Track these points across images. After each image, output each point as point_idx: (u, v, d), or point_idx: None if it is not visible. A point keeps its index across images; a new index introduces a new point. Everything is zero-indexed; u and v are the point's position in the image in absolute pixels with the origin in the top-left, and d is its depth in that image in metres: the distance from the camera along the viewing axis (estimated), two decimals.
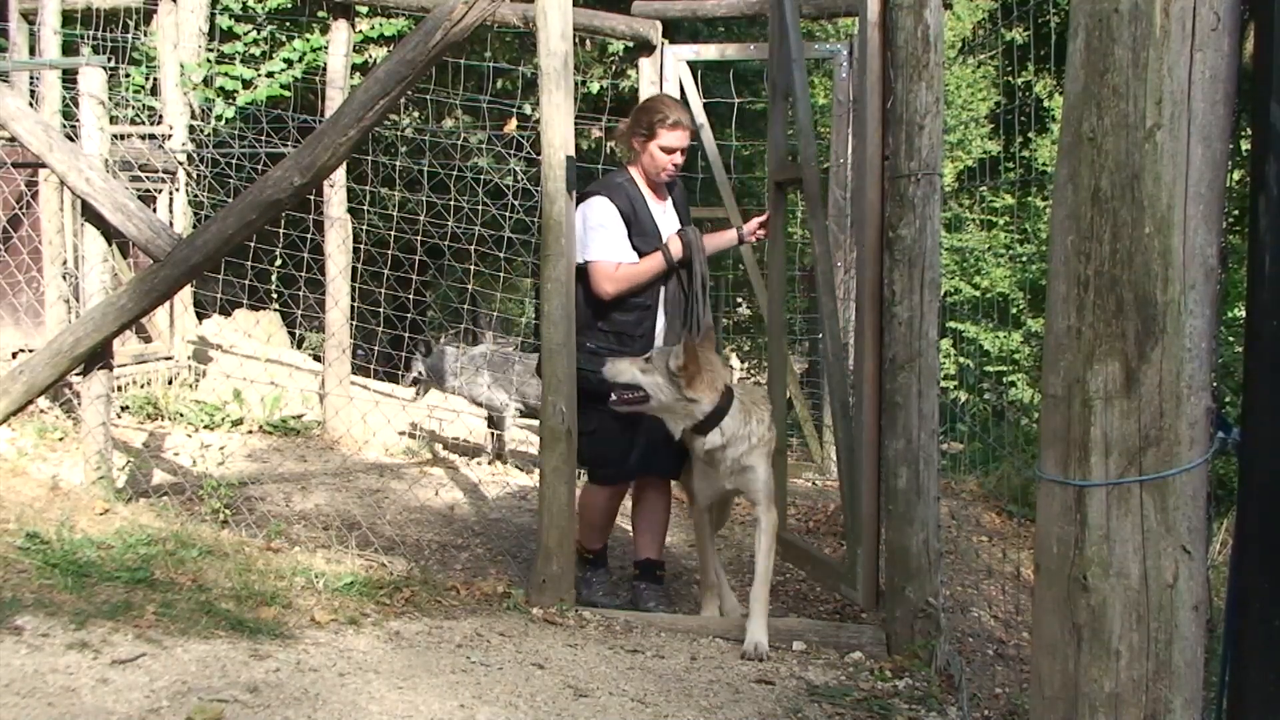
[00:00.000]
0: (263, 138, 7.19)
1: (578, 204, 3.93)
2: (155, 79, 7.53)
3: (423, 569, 4.06)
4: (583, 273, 3.94)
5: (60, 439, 4.92)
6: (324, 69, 6.86)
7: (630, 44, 6.51)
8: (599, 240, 3.94)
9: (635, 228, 3.98)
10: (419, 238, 6.46)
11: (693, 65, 6.32)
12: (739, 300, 11.75)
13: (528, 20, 5.97)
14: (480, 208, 6.47)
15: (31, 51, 6.76)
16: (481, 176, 6.99)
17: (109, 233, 4.33)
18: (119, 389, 5.97)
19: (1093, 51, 1.73)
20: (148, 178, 6.56)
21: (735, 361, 14.45)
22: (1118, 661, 1.74)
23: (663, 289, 4.06)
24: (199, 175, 7.10)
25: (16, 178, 5.96)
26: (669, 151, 3.97)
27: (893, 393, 3.58)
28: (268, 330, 7.57)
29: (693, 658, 3.51)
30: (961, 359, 12.38)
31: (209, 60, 7.86)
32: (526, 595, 3.88)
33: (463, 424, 7.17)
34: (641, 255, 3.99)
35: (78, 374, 4.32)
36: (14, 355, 5.66)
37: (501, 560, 4.65)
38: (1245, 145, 1.74)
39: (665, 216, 4.13)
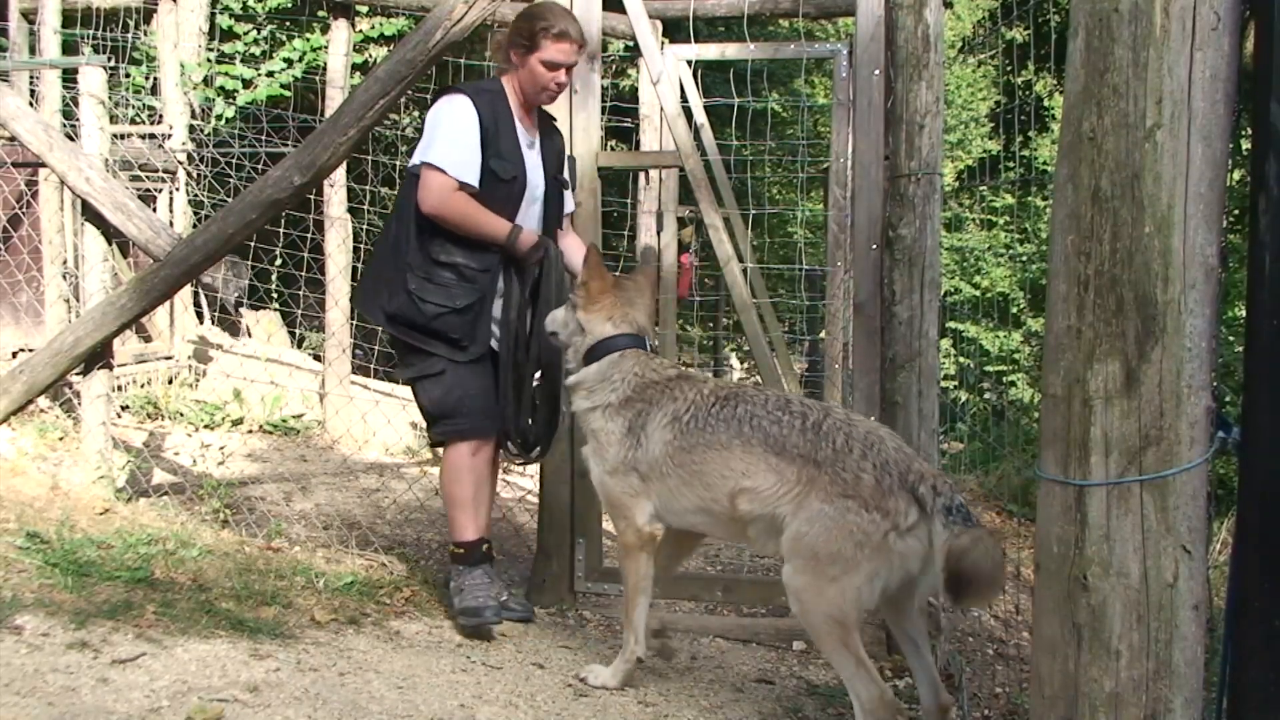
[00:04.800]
0: (263, 137, 7.19)
1: (433, 101, 3.44)
2: (155, 78, 7.53)
3: (423, 569, 4.06)
4: (414, 179, 3.34)
5: (60, 438, 4.92)
6: (324, 69, 6.86)
7: (630, 44, 6.51)
8: (445, 145, 3.29)
9: (494, 146, 3.34)
10: None
11: (693, 65, 6.32)
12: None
13: None
14: None
15: (31, 51, 6.75)
16: None
17: (109, 232, 4.33)
18: (119, 388, 5.97)
19: (1093, 51, 1.73)
20: (148, 177, 6.56)
21: (735, 361, 14.44)
22: (1118, 661, 1.74)
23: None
24: (199, 175, 7.10)
25: (16, 177, 5.96)
26: (551, 68, 3.34)
27: (893, 392, 3.57)
28: (268, 330, 7.56)
29: (693, 657, 3.51)
30: (961, 359, 12.38)
31: (209, 60, 7.86)
32: (527, 595, 3.88)
33: None
34: (499, 181, 3.34)
35: (78, 373, 4.32)
36: (14, 355, 5.65)
37: (501, 560, 4.65)
38: (1245, 145, 1.74)
39: (532, 154, 3.47)
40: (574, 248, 3.55)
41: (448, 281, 3.32)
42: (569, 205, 3.67)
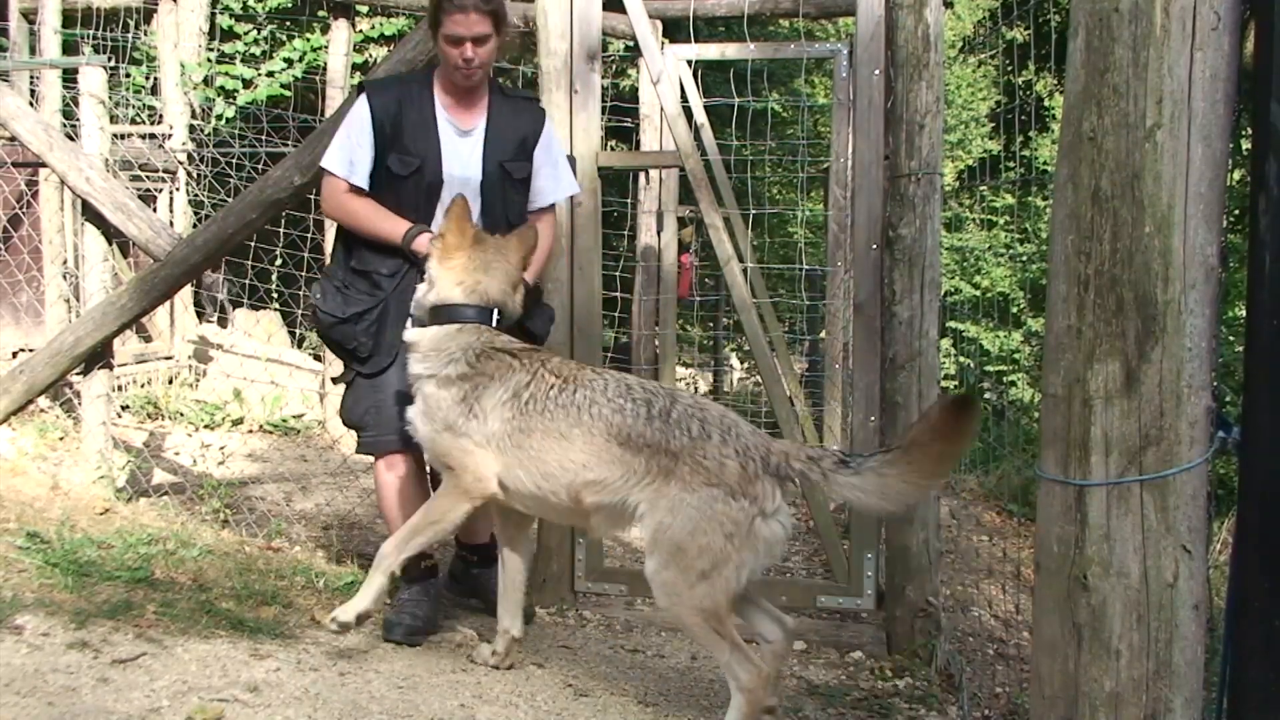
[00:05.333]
0: (263, 137, 7.19)
1: None
2: (155, 78, 7.53)
3: None
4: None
5: (60, 438, 4.92)
6: (324, 68, 6.86)
7: (630, 43, 6.51)
8: (335, 147, 3.21)
9: (396, 140, 3.17)
10: None
11: (693, 65, 6.31)
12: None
13: (528, 20, 5.97)
14: None
15: (32, 51, 6.76)
16: None
17: (109, 232, 4.33)
18: (119, 388, 5.97)
19: (1093, 51, 1.73)
20: (148, 177, 6.56)
21: (735, 361, 14.44)
22: (1118, 661, 1.74)
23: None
24: (199, 175, 7.10)
25: (17, 177, 5.96)
26: (454, 43, 3.08)
27: (893, 392, 3.58)
28: (268, 330, 7.56)
29: (693, 657, 3.51)
30: (962, 358, 12.38)
31: (209, 60, 7.86)
32: (527, 595, 3.88)
33: None
34: (397, 178, 3.18)
35: (78, 373, 4.32)
36: (14, 355, 5.66)
37: None
38: (1245, 145, 1.74)
39: (465, 143, 3.23)
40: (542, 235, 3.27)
41: (357, 289, 3.19)
42: (544, 198, 3.38)
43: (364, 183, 3.19)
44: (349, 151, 3.18)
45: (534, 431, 2.76)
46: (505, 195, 3.27)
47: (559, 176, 3.38)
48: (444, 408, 2.84)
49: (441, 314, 2.90)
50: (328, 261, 3.46)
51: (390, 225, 3.14)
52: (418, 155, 3.17)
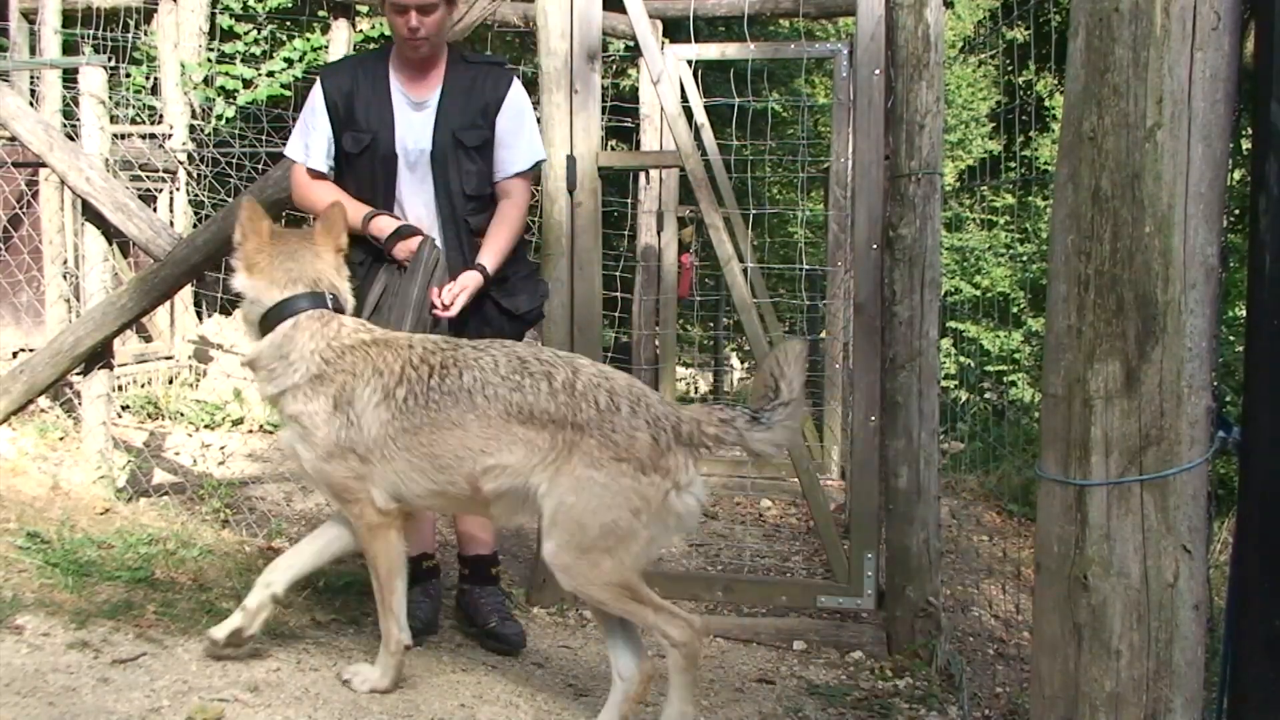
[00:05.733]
0: (263, 137, 7.19)
1: None
2: (156, 78, 7.53)
3: None
4: None
5: (61, 438, 4.92)
6: None
7: (630, 43, 6.51)
8: (296, 134, 3.22)
9: (350, 119, 3.12)
10: None
11: (693, 65, 6.31)
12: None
13: (528, 20, 5.98)
14: None
15: (32, 51, 6.76)
16: None
17: (109, 232, 4.33)
18: (119, 388, 5.97)
19: (1093, 51, 1.73)
20: (148, 177, 6.56)
21: (735, 361, 14.44)
22: (1118, 661, 1.74)
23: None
24: (199, 175, 7.10)
25: (17, 177, 5.96)
26: (399, 11, 2.99)
27: (893, 392, 3.58)
28: None
29: None
30: (962, 358, 12.37)
31: (209, 60, 7.86)
32: (527, 595, 3.88)
33: None
34: (351, 156, 3.13)
35: (78, 373, 4.32)
36: (14, 355, 5.66)
37: (502, 560, 4.65)
38: (1245, 145, 1.74)
39: (419, 115, 3.14)
40: (500, 211, 3.16)
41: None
42: (508, 166, 3.18)
43: (321, 165, 3.15)
44: (304, 135, 3.16)
45: (420, 429, 2.54)
46: (460, 165, 3.13)
47: (522, 144, 3.19)
48: (319, 425, 2.58)
49: (271, 318, 2.65)
50: None
51: (352, 211, 3.01)
52: (369, 130, 3.11)
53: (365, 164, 3.14)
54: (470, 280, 3.01)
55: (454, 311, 2.96)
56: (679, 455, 2.47)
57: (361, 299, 3.01)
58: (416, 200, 3.15)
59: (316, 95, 3.16)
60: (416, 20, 2.99)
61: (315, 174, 3.17)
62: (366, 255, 3.10)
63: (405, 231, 3.04)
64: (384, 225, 3.04)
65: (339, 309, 2.70)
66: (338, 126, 3.14)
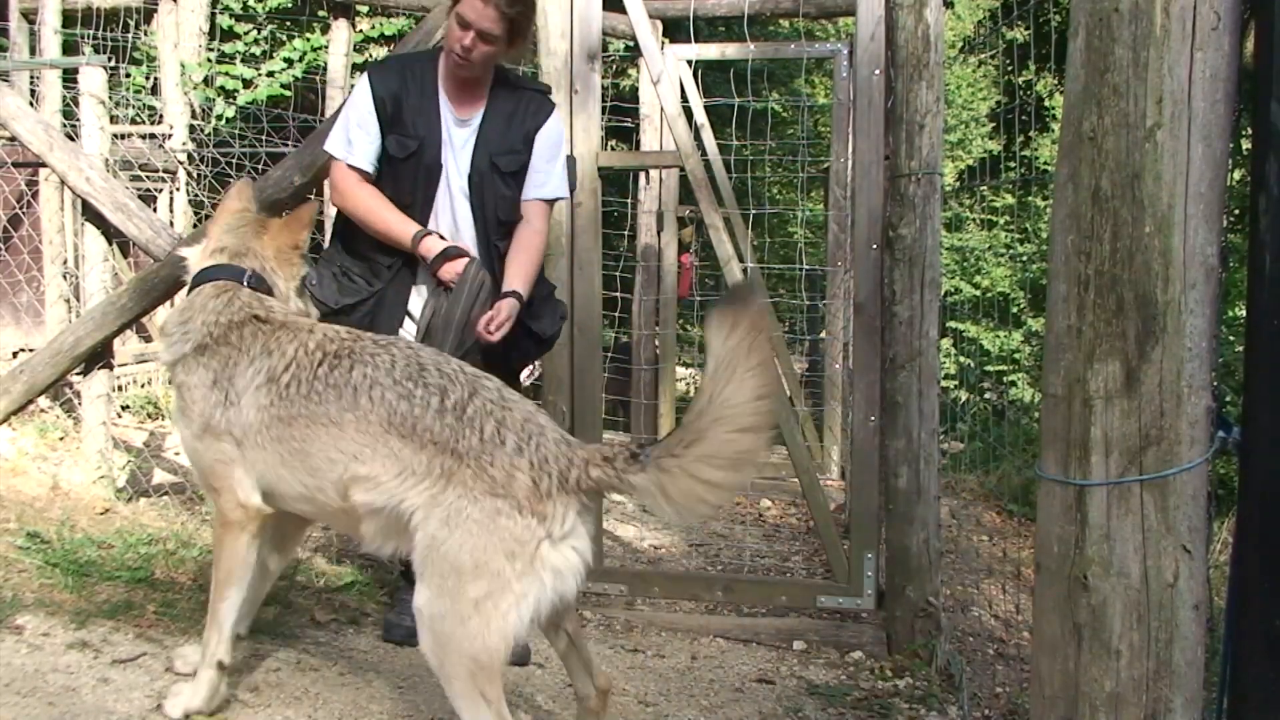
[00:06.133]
0: (263, 137, 7.19)
1: None
2: (156, 79, 7.53)
3: None
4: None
5: (61, 438, 4.92)
6: (324, 69, 6.86)
7: (630, 43, 6.50)
8: (340, 130, 3.08)
9: (397, 120, 3.03)
10: None
11: (693, 65, 6.31)
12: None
13: None
14: None
15: (32, 51, 6.75)
16: None
17: (109, 232, 4.33)
18: (119, 388, 5.97)
19: (1093, 51, 1.73)
20: (148, 177, 6.56)
21: None
22: (1118, 661, 1.74)
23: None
24: (199, 175, 7.10)
25: (17, 177, 5.96)
26: (464, 26, 2.93)
27: (893, 392, 3.58)
28: None
29: (693, 657, 3.51)
30: (962, 358, 12.37)
31: (209, 60, 7.86)
32: None
33: None
34: (396, 160, 3.04)
35: (78, 373, 4.32)
36: (14, 355, 5.66)
37: None
38: (1245, 145, 1.74)
39: (460, 133, 3.08)
40: (520, 236, 3.12)
41: (352, 276, 3.06)
42: (535, 191, 3.17)
43: (366, 164, 3.05)
44: (346, 130, 3.05)
45: (297, 419, 2.34)
46: (495, 190, 3.11)
47: (554, 173, 3.18)
48: (198, 399, 2.42)
49: (191, 286, 2.56)
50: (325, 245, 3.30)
51: (400, 225, 2.99)
52: (416, 137, 3.03)
53: (409, 171, 3.06)
54: (512, 308, 2.96)
55: (497, 337, 2.91)
56: (558, 503, 2.17)
57: (384, 302, 3.01)
58: (452, 216, 3.09)
59: (364, 93, 3.05)
60: (472, 42, 2.94)
61: (359, 173, 3.05)
62: (395, 259, 3.06)
63: (452, 253, 2.97)
64: (432, 246, 2.97)
65: (260, 290, 2.56)
66: (384, 128, 3.04)
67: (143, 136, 7.12)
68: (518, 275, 3.04)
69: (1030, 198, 12.95)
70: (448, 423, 2.24)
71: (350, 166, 3.03)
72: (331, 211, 6.41)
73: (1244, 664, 1.73)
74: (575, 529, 2.20)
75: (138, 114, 7.45)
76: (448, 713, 2.70)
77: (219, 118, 7.86)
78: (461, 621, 2.13)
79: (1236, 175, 1.92)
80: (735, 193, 6.45)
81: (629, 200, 7.13)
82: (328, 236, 6.37)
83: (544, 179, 3.17)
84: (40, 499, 4.04)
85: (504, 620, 2.13)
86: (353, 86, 5.40)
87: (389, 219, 3.01)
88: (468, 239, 3.08)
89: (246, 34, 8.39)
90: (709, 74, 7.39)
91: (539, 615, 2.19)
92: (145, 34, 7.50)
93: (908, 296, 3.53)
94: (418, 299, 3.07)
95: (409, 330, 3.05)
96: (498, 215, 3.11)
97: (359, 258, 3.08)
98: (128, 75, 7.58)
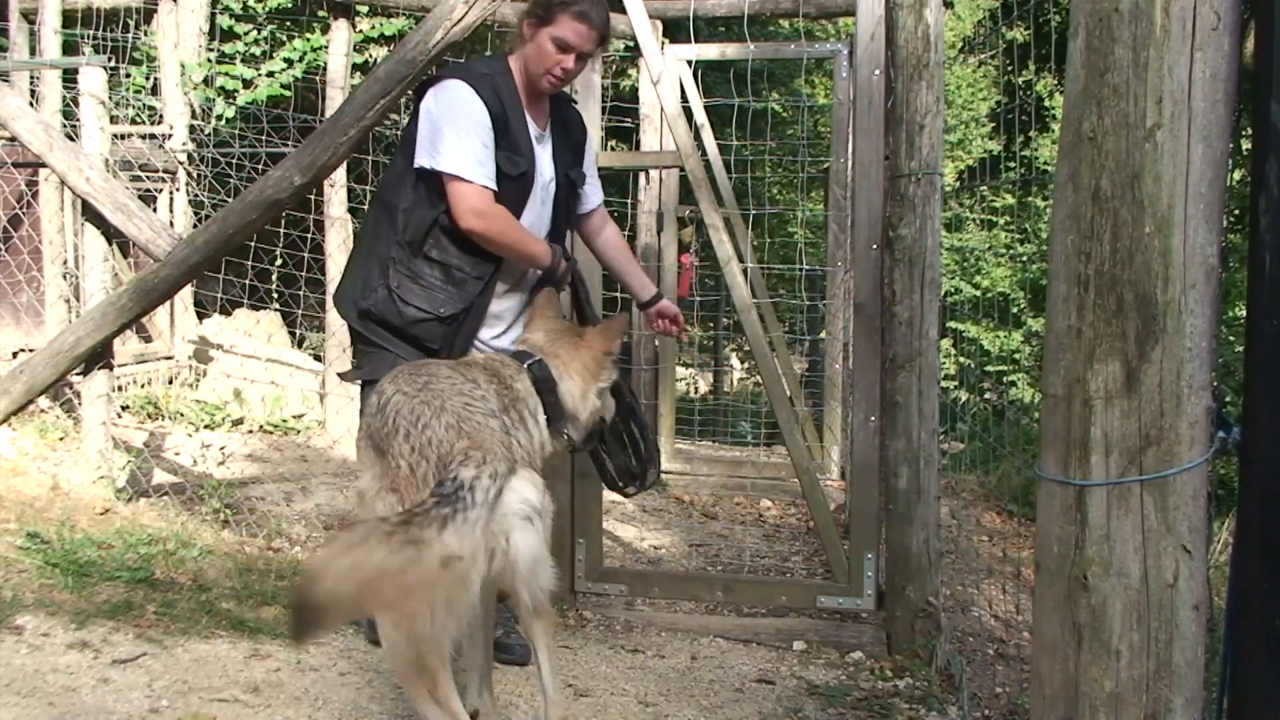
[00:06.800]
0: (263, 137, 7.19)
1: (422, 92, 2.99)
2: (155, 79, 7.53)
3: None
4: (418, 178, 2.93)
5: (60, 439, 4.92)
6: (324, 69, 6.85)
7: (630, 43, 6.50)
8: (455, 143, 2.84)
9: (504, 137, 2.91)
10: None
11: (693, 65, 6.31)
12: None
13: None
14: None
15: (32, 51, 6.75)
16: None
17: (109, 232, 4.33)
18: (119, 389, 5.97)
19: (1093, 51, 1.73)
20: (148, 178, 6.56)
21: (735, 361, 14.43)
22: (1118, 661, 1.74)
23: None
24: (199, 175, 7.10)
25: (17, 177, 5.96)
26: (562, 48, 2.89)
27: (893, 392, 3.58)
28: (268, 330, 7.56)
29: (693, 657, 3.51)
30: (962, 359, 12.38)
31: (209, 60, 7.86)
32: None
33: None
34: (506, 179, 2.92)
35: (78, 374, 4.32)
36: (14, 355, 5.66)
37: None
38: (1245, 145, 1.74)
39: (540, 148, 3.05)
40: (612, 241, 3.38)
41: (433, 283, 2.95)
42: (593, 200, 3.33)
43: (494, 184, 2.90)
44: (473, 152, 2.84)
45: None
46: (568, 202, 3.17)
47: (598, 185, 3.39)
48: None
49: None
50: (363, 248, 3.15)
51: (537, 247, 2.98)
52: (524, 155, 2.95)
53: (513, 189, 2.96)
54: (669, 308, 3.36)
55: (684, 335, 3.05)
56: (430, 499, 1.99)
57: (472, 309, 2.97)
58: (530, 228, 3.05)
59: (478, 108, 2.87)
60: (571, 63, 2.93)
61: (493, 194, 2.90)
62: (489, 267, 2.98)
63: (560, 252, 3.09)
64: (560, 259, 3.07)
65: None
66: (496, 144, 2.92)
67: (143, 137, 7.12)
68: (642, 278, 3.40)
69: (1030, 198, 12.96)
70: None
71: (484, 188, 2.89)
72: (332, 227, 6.44)
73: (1244, 664, 1.73)
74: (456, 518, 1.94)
75: (138, 114, 7.45)
76: None
77: (219, 118, 7.87)
78: (394, 626, 2.06)
79: (1236, 175, 1.92)
80: (735, 193, 6.45)
81: (629, 200, 7.13)
82: (328, 242, 6.40)
83: (595, 185, 3.35)
84: (40, 499, 4.05)
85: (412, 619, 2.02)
86: (353, 88, 5.40)
87: (529, 244, 2.98)
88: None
89: (246, 34, 8.40)
90: (709, 74, 7.39)
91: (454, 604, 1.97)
92: (145, 34, 7.50)
93: (908, 297, 3.53)
94: (496, 304, 3.06)
95: (491, 332, 3.06)
96: (565, 225, 3.23)
97: (433, 264, 2.96)
98: (128, 75, 7.58)
